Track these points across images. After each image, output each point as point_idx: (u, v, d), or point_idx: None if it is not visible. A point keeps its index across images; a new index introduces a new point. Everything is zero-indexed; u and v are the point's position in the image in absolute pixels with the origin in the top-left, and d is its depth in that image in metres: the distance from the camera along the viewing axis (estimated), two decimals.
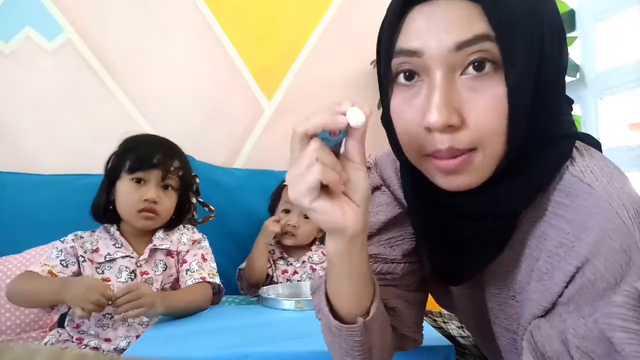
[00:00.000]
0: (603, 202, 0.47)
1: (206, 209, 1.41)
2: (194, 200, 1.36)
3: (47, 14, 1.74)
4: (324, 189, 0.49)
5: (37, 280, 1.10)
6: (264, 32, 1.88)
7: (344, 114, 0.48)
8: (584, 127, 1.46)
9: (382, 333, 0.61)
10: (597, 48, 1.44)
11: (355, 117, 0.48)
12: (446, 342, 0.88)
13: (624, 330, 0.43)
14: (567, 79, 1.61)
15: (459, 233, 0.56)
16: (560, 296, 0.49)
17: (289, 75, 1.87)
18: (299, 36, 1.90)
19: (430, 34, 0.49)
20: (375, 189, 0.68)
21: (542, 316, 0.51)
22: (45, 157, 1.72)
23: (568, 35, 1.53)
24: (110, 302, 1.04)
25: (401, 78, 0.52)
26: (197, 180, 1.37)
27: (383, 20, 0.54)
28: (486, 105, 0.48)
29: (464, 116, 0.48)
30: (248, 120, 1.85)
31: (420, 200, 0.60)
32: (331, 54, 1.87)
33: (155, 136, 1.32)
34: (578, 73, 1.49)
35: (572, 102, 0.61)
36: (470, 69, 0.48)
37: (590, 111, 1.44)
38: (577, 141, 0.54)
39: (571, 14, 1.52)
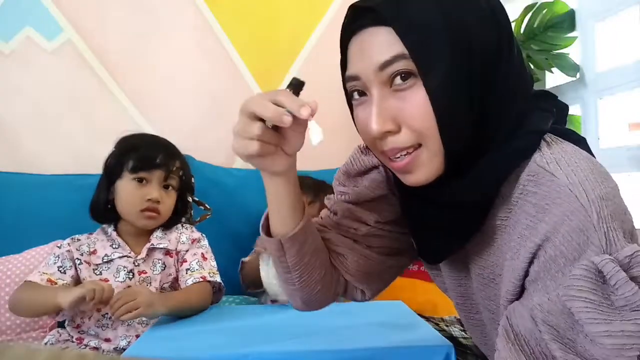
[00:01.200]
0: (563, 188, 0.52)
1: (202, 207, 1.41)
2: (189, 199, 1.36)
3: (47, 14, 1.74)
4: None
5: (37, 291, 1.11)
6: (264, 32, 1.88)
7: (290, 113, 0.55)
8: (584, 127, 1.46)
9: (304, 262, 0.70)
10: (597, 48, 1.44)
11: (315, 135, 0.56)
12: (446, 342, 0.88)
13: (581, 300, 0.48)
14: (567, 78, 1.61)
15: (428, 218, 0.65)
16: (527, 275, 0.54)
17: (289, 75, 1.87)
18: (299, 36, 1.90)
19: (361, 59, 0.59)
20: (374, 168, 0.75)
21: (517, 299, 0.56)
22: (45, 157, 1.72)
23: (568, 35, 1.53)
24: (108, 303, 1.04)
25: (356, 96, 0.62)
26: (193, 180, 1.37)
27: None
28: (413, 110, 0.56)
29: (399, 122, 0.57)
30: None
31: (402, 187, 0.67)
32: (331, 55, 1.87)
33: (155, 136, 1.32)
34: (578, 73, 1.49)
35: (554, 97, 0.65)
36: (398, 80, 0.56)
37: (590, 111, 1.44)
38: (550, 135, 0.60)
39: (571, 14, 1.52)
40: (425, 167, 0.58)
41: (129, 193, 1.20)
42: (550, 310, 0.50)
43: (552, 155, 0.56)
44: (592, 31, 1.45)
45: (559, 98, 0.66)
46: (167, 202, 1.23)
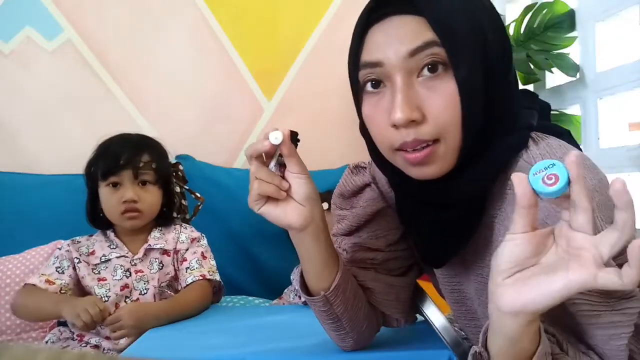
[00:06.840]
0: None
1: (193, 196, 1.40)
2: (178, 189, 1.35)
3: (47, 14, 1.74)
4: (272, 197, 0.63)
5: (39, 296, 1.12)
6: (264, 32, 1.87)
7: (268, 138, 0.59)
8: (584, 127, 1.46)
9: (350, 306, 0.71)
10: (597, 48, 1.44)
11: (274, 137, 0.59)
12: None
13: None
14: (567, 78, 1.61)
15: (430, 221, 0.65)
16: None
17: (289, 75, 1.87)
18: (299, 36, 1.90)
19: (387, 46, 0.57)
20: (366, 185, 0.77)
21: None
22: (45, 157, 1.72)
23: (568, 35, 1.53)
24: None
25: (369, 86, 0.60)
26: (181, 167, 1.36)
27: (350, 43, 0.63)
28: (442, 101, 0.56)
29: (424, 112, 0.56)
30: (248, 120, 1.84)
31: (400, 193, 0.69)
32: (331, 55, 1.86)
33: (124, 135, 1.29)
34: (578, 73, 1.49)
35: (536, 95, 0.69)
36: (425, 71, 0.56)
37: (590, 111, 1.44)
38: (535, 132, 0.62)
39: (571, 14, 1.52)
40: (440, 162, 0.58)
41: (107, 200, 1.21)
42: None
43: (538, 151, 0.58)
44: (592, 31, 1.45)
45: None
46: (147, 198, 1.22)
